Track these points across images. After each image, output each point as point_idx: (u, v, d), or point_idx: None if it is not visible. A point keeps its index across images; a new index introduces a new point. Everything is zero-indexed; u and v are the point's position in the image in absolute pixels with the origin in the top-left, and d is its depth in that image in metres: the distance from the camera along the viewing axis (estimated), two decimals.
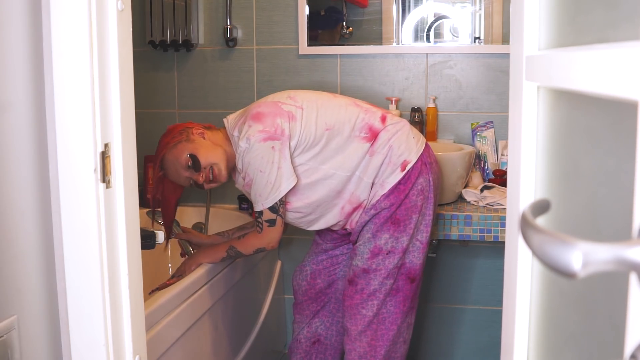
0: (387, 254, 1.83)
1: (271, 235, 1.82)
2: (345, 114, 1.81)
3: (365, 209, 1.85)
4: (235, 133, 1.81)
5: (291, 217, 1.87)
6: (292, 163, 1.77)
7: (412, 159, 1.82)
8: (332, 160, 1.80)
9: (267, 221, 1.80)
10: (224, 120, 1.90)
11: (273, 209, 1.78)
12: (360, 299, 1.86)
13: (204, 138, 1.82)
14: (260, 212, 1.79)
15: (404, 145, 1.82)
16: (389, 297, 1.86)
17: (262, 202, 1.77)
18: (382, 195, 1.81)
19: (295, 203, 1.83)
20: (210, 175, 1.80)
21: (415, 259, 1.86)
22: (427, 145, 1.89)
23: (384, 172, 1.81)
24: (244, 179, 1.82)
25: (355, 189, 1.83)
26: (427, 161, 1.85)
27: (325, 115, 1.79)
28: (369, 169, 1.81)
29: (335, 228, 1.94)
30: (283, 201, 1.79)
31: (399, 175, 1.80)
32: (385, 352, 1.88)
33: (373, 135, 1.81)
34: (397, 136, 1.82)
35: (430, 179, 1.84)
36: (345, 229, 1.94)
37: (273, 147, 1.72)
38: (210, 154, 1.79)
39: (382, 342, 1.88)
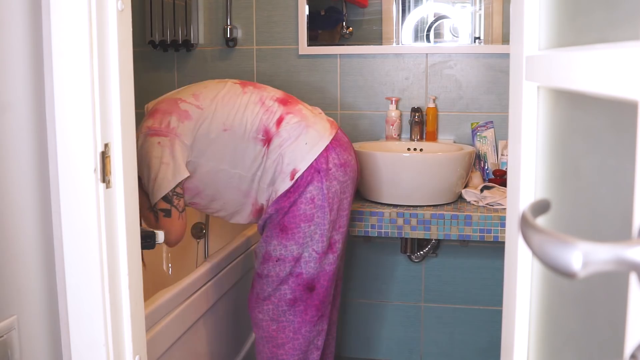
0: (276, 261, 1.80)
1: (167, 226, 1.77)
2: (243, 114, 1.77)
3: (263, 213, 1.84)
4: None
5: (198, 207, 1.87)
6: (193, 161, 1.75)
7: (301, 167, 1.75)
8: (231, 160, 1.77)
9: (161, 210, 1.76)
10: (145, 106, 1.90)
11: (166, 199, 1.75)
12: (256, 303, 1.86)
13: None
14: (155, 203, 1.77)
15: (294, 153, 1.75)
16: (287, 305, 1.83)
17: (152, 197, 1.75)
18: (273, 201, 1.78)
19: (198, 200, 1.83)
20: None
21: (311, 269, 1.81)
22: (327, 150, 1.77)
23: (276, 179, 1.77)
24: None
25: (257, 190, 1.81)
26: (322, 168, 1.76)
27: (223, 115, 1.77)
28: (265, 173, 1.78)
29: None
30: (178, 193, 1.76)
31: (288, 184, 1.75)
32: None
33: (268, 139, 1.77)
34: (288, 143, 1.76)
35: (324, 187, 1.76)
36: None
37: (159, 142, 1.72)
38: None
39: (285, 351, 1.86)
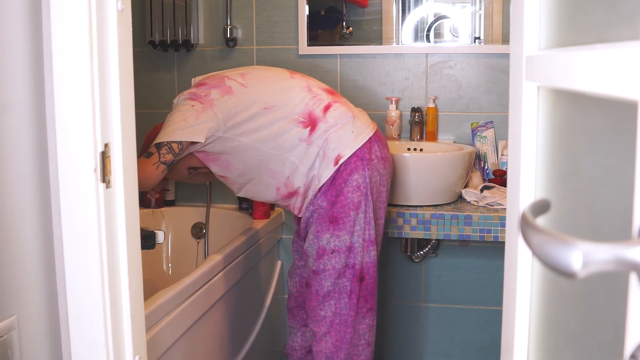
0: (331, 253, 1.81)
1: (139, 165, 1.73)
2: (290, 95, 1.80)
3: (306, 202, 1.84)
4: None
5: (226, 179, 1.90)
6: (224, 137, 1.77)
7: (346, 153, 1.77)
8: (265, 138, 1.78)
9: (148, 152, 1.77)
10: (192, 80, 1.95)
11: (158, 146, 1.75)
12: (317, 301, 1.86)
13: None
14: (153, 146, 1.77)
15: (340, 139, 1.78)
16: (346, 298, 1.84)
17: (158, 138, 1.76)
18: (319, 190, 1.79)
19: (228, 174, 1.87)
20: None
21: (362, 258, 1.83)
22: (371, 141, 1.82)
23: (320, 164, 1.79)
24: None
25: (290, 174, 1.81)
26: (365, 157, 1.79)
27: (266, 94, 1.79)
28: (305, 157, 1.79)
29: (284, 207, 1.93)
30: (173, 149, 1.75)
31: (331, 170, 1.77)
32: (345, 356, 1.87)
33: (311, 122, 1.78)
34: (335, 129, 1.78)
35: (366, 175, 1.79)
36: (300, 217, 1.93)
37: (193, 105, 1.76)
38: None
39: (343, 344, 1.87)
